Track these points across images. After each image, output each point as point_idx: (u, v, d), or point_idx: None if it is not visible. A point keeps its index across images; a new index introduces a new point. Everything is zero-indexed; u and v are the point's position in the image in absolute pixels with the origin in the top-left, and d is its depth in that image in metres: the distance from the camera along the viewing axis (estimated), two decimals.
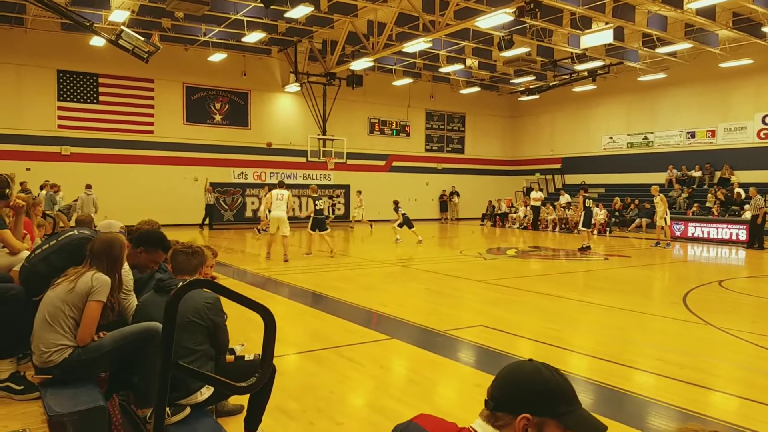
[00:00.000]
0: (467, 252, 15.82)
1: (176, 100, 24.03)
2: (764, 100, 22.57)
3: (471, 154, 32.20)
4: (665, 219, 17.34)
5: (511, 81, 28.42)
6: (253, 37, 20.62)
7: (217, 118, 24.98)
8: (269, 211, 14.26)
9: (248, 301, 2.10)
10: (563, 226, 24.01)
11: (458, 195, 30.24)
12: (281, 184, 13.91)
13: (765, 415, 4.37)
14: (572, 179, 29.21)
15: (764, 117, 22.49)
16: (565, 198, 24.01)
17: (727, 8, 18.27)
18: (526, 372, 1.49)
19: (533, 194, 24.56)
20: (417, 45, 19.58)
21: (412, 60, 24.70)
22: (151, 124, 23.50)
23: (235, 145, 25.16)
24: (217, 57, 23.12)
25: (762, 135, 22.60)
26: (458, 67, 25.30)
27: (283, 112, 26.62)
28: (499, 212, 27.48)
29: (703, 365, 5.74)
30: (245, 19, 19.64)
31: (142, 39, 13.07)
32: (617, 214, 24.05)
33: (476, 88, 29.44)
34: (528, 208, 25.08)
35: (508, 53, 19.43)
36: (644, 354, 6.14)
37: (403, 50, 20.65)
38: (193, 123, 24.38)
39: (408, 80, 27.41)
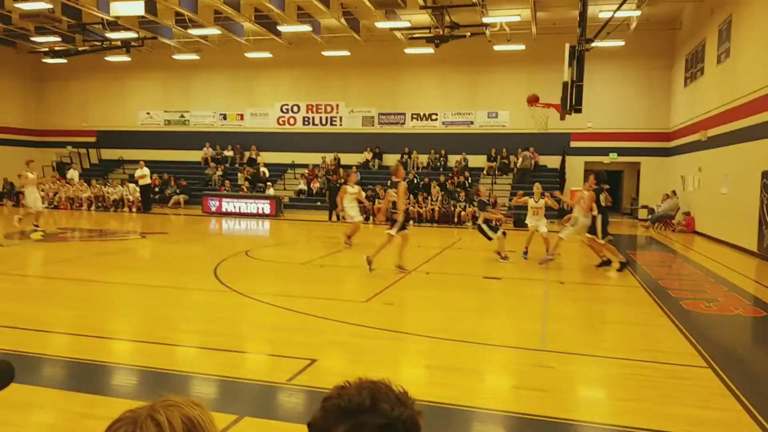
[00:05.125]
0: None
1: None
2: (282, 91, 25.90)
3: None
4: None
5: (32, 39, 24.74)
6: None
7: None
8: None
9: None
10: (100, 204, 22.68)
11: None
12: None
13: (289, 366, 5.03)
14: (109, 154, 27.69)
15: (282, 106, 25.90)
16: (142, 170, 21.69)
17: (250, 3, 20.08)
18: None
19: (138, 172, 21.51)
20: None
21: None
22: None
23: None
24: None
25: (280, 122, 26.02)
26: None
27: None
28: (22, 190, 23.82)
29: (231, 331, 6.23)
30: None
31: None
32: (157, 190, 23.97)
33: None
34: (135, 186, 22.17)
35: (25, 5, 16.83)
36: (180, 329, 6.28)
37: None
38: None
39: None
